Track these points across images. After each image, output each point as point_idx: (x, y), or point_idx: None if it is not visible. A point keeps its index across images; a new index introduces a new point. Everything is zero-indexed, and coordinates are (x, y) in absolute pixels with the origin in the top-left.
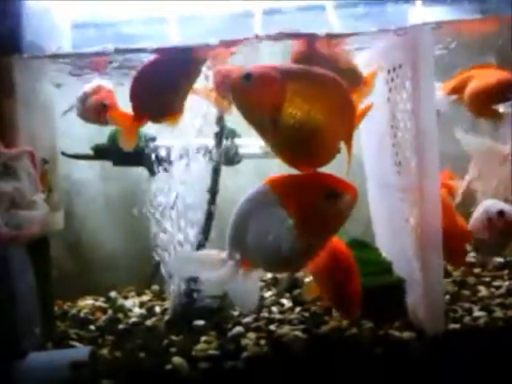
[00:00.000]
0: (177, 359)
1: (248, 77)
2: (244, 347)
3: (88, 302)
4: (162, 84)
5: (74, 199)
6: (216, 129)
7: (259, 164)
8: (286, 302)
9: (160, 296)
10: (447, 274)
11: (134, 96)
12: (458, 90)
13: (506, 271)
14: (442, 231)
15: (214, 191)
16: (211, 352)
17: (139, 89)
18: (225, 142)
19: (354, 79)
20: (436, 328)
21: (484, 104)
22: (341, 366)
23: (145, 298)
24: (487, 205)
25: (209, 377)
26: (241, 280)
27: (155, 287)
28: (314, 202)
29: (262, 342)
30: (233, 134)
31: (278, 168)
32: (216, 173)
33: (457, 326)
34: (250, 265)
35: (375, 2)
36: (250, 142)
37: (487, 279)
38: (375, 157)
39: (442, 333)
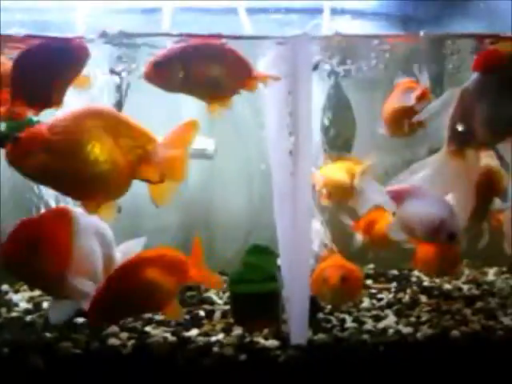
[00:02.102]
0: (35, 356)
1: (15, 140)
2: (110, 347)
3: None
4: (41, 72)
5: None
6: None
7: None
8: None
9: None
10: None
11: (12, 80)
12: None
13: (394, 283)
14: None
15: None
16: (74, 351)
17: (17, 73)
18: None
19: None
20: (299, 338)
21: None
22: (201, 371)
23: (37, 292)
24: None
25: (66, 376)
26: None
27: None
28: None
29: (130, 342)
30: None
31: None
32: None
33: (323, 336)
34: None
35: (310, 12)
36: None
37: (374, 291)
38: (277, 163)
39: (304, 343)
